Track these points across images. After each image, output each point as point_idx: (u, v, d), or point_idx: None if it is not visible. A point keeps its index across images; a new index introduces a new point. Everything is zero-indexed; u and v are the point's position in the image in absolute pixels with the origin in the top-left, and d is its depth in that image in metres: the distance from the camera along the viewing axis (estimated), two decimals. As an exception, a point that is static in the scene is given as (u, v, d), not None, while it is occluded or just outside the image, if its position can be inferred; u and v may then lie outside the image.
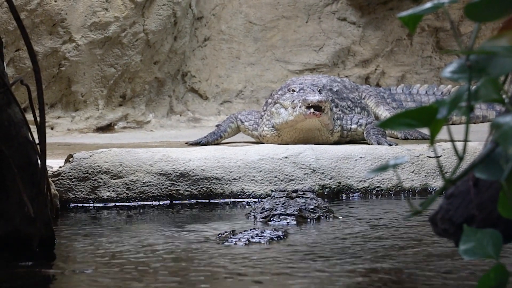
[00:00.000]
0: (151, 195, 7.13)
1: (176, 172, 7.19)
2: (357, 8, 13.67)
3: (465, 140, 2.32)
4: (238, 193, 7.27)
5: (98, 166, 7.11)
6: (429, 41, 13.92)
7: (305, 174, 7.41)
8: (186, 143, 10.14)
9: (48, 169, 6.08)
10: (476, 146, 7.35)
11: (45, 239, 4.77)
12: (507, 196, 2.20)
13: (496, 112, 12.10)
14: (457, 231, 2.64)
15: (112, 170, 7.12)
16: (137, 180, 7.12)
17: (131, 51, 11.93)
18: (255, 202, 7.09)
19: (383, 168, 2.27)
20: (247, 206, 7.00)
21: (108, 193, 7.08)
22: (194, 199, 7.19)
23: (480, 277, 2.31)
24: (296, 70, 13.48)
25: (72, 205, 7.02)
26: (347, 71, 13.64)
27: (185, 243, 5.06)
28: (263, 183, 7.32)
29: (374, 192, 7.48)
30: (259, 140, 9.74)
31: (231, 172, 7.30)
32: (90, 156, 7.16)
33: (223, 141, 10.20)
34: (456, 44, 13.33)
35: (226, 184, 7.26)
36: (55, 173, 7.05)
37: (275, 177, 7.34)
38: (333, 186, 7.44)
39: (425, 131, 9.87)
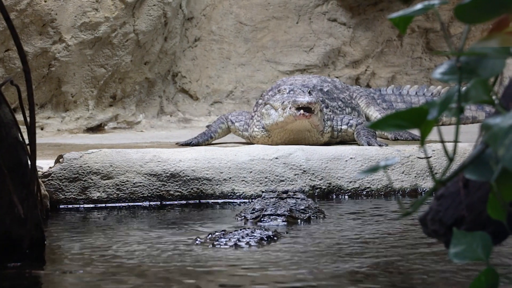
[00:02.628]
0: (142, 195, 7.12)
1: (167, 173, 7.19)
2: (347, 9, 13.69)
3: (455, 141, 2.32)
4: (229, 194, 7.27)
5: (88, 166, 7.10)
6: (419, 42, 13.95)
7: (295, 174, 7.42)
8: (176, 143, 10.14)
9: (38, 169, 6.07)
10: (466, 147, 7.37)
11: (35, 240, 4.76)
12: (497, 197, 2.21)
13: (486, 113, 12.14)
14: (447, 232, 2.65)
15: (102, 170, 7.11)
16: (127, 181, 7.11)
17: (122, 51, 11.91)
18: (245, 203, 7.09)
19: (373, 169, 2.28)
20: (237, 207, 7.00)
21: (98, 194, 7.07)
22: (185, 199, 7.19)
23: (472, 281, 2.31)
24: (286, 70, 13.48)
25: (62, 205, 7.01)
26: (337, 71, 13.66)
27: (175, 244, 5.06)
28: (253, 183, 7.32)
29: (364, 192, 7.49)
30: (250, 141, 9.74)
31: (221, 172, 7.30)
32: (80, 157, 7.15)
33: (213, 142, 10.20)
34: (446, 45, 13.36)
35: (217, 184, 7.26)
36: (45, 173, 7.04)
37: (266, 178, 7.35)
38: (324, 187, 7.45)
39: (415, 132, 9.89)
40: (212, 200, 7.23)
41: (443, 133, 2.35)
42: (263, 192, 6.49)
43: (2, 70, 11.07)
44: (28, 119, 4.68)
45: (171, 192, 7.17)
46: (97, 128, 12.11)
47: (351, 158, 7.62)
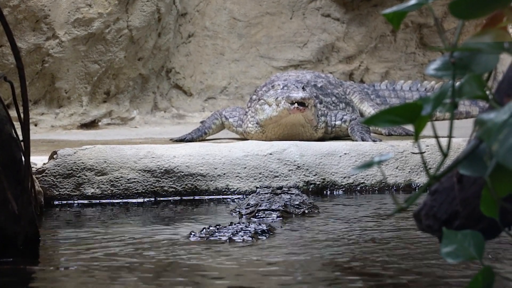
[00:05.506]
0: (136, 192, 7.12)
1: (161, 169, 7.19)
2: (341, 4, 13.69)
3: (449, 136, 2.33)
4: (223, 190, 7.27)
5: (83, 163, 7.10)
6: (413, 37, 13.96)
7: (289, 170, 7.42)
8: (170, 139, 10.13)
9: (32, 166, 6.06)
10: (460, 142, 7.38)
11: (30, 237, 4.75)
12: (491, 192, 2.21)
13: (480, 108, 12.15)
14: (441, 227, 2.66)
15: (96, 167, 7.11)
16: (121, 177, 7.11)
17: (115, 47, 11.90)
18: (239, 199, 7.09)
19: (368, 164, 2.28)
20: (231, 203, 7.00)
21: (92, 190, 7.06)
22: (179, 195, 7.19)
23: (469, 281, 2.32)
24: (280, 66, 13.48)
25: (56, 202, 7.00)
26: (331, 67, 13.66)
27: (169, 239, 5.07)
28: (247, 179, 7.32)
29: (358, 188, 7.50)
30: (244, 137, 9.74)
31: (215, 168, 7.30)
32: (74, 153, 7.14)
33: (207, 138, 10.20)
34: (440, 40, 13.36)
35: (211, 180, 7.26)
36: (39, 170, 7.03)
37: (260, 174, 7.35)
38: (318, 183, 7.46)
39: (409, 127, 9.90)
40: (207, 196, 7.23)
41: (437, 128, 2.36)
42: (257, 188, 6.50)
43: (-4, 66, 11.05)
44: (22, 115, 4.68)
45: (166, 188, 7.17)
46: (91, 124, 12.09)
47: (345, 153, 7.63)
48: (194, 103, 13.29)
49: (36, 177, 6.81)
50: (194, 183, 7.23)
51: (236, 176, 7.32)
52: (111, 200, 7.07)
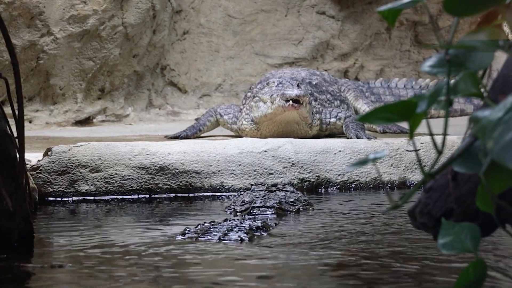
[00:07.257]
0: (130, 188, 7.12)
1: (155, 166, 7.18)
2: (336, 1, 13.69)
3: (444, 134, 2.33)
4: (218, 187, 7.27)
5: (77, 159, 7.09)
6: (408, 35, 13.97)
7: (284, 167, 7.42)
8: (165, 136, 10.13)
9: (26, 162, 6.06)
10: (455, 139, 7.39)
11: (24, 234, 4.75)
12: (486, 189, 2.21)
13: (474, 106, 12.17)
14: (435, 224, 2.66)
15: (91, 163, 7.10)
16: (116, 174, 7.11)
17: (110, 44, 11.88)
18: (234, 196, 7.10)
19: (362, 162, 2.28)
20: (226, 200, 7.00)
21: (87, 187, 7.06)
22: (174, 193, 7.19)
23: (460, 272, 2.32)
24: (275, 63, 13.48)
25: (50, 198, 7.00)
26: (326, 64, 13.66)
27: (164, 236, 5.06)
28: (242, 176, 7.32)
29: (353, 185, 7.51)
30: (238, 134, 9.74)
31: (210, 165, 7.30)
32: (69, 150, 7.13)
33: (202, 135, 10.20)
34: (435, 38, 13.38)
35: (206, 177, 7.26)
36: (34, 166, 7.02)
37: (254, 171, 7.35)
38: (312, 180, 7.46)
39: (404, 124, 9.91)
40: (201, 193, 7.23)
41: (432, 126, 2.36)
42: (252, 185, 6.49)
43: (-10, 63, 11.02)
44: (16, 112, 4.67)
45: (160, 185, 7.17)
46: (86, 121, 12.08)
47: (340, 151, 7.63)
48: (188, 100, 13.28)
49: (30, 174, 6.80)
50: (188, 180, 7.22)
51: (231, 173, 7.32)
52: (106, 197, 7.06)
